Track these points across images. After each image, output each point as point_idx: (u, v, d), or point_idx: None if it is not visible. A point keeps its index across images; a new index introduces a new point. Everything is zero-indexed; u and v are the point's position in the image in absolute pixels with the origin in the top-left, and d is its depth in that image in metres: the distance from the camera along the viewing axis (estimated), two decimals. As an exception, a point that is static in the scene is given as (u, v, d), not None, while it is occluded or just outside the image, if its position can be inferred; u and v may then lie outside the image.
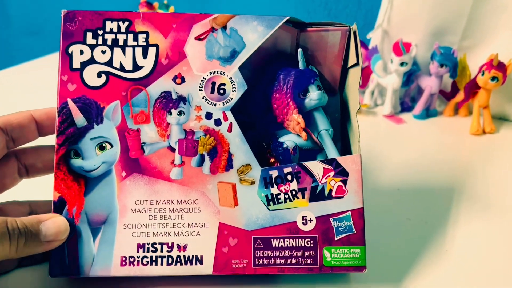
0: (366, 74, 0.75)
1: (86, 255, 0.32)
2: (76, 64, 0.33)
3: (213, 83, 0.34)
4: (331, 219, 0.33)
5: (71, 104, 0.33)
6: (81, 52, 0.33)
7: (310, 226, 0.33)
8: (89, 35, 0.33)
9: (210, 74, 0.34)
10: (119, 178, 0.33)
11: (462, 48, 0.70)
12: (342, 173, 0.34)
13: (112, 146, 0.33)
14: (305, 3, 0.95)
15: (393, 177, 0.51)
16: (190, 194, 0.33)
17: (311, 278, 0.34)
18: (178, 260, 0.32)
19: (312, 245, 0.33)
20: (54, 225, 0.30)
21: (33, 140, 0.35)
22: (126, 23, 0.34)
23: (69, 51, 0.33)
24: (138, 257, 0.32)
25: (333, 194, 0.33)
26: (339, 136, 0.38)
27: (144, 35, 0.34)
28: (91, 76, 0.33)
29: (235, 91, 0.34)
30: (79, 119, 0.33)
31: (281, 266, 0.33)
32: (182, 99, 0.34)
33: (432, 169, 0.53)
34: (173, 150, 0.33)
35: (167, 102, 0.33)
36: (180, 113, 0.33)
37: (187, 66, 0.34)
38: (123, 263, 0.32)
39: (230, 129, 0.34)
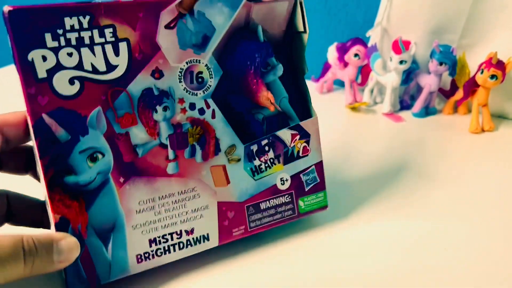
0: (365, 72, 0.75)
1: (102, 264, 0.32)
2: (41, 73, 0.29)
3: (191, 73, 0.34)
4: (301, 175, 0.40)
5: (48, 120, 0.29)
6: (44, 58, 0.29)
7: (287, 185, 0.39)
8: (48, 36, 0.29)
9: (187, 64, 0.34)
10: (118, 185, 0.32)
11: (462, 46, 0.70)
12: (305, 135, 0.39)
13: (103, 155, 0.31)
14: (304, 1, 0.88)
15: (392, 176, 0.51)
16: (188, 183, 0.35)
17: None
18: (188, 243, 0.35)
19: (290, 199, 0.39)
20: (68, 246, 0.30)
21: (27, 142, 0.32)
22: (88, 17, 0.30)
23: (29, 58, 0.29)
24: (152, 251, 0.34)
25: (300, 154, 0.39)
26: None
27: (111, 29, 0.31)
28: (62, 84, 0.30)
29: (212, 77, 0.35)
30: (61, 134, 0.30)
31: (270, 223, 0.38)
32: (164, 94, 0.33)
33: (431, 167, 0.53)
34: (165, 146, 0.34)
35: (150, 99, 0.32)
36: (165, 108, 0.33)
37: (162, 59, 0.33)
38: (139, 260, 0.33)
39: (213, 116, 0.35)
